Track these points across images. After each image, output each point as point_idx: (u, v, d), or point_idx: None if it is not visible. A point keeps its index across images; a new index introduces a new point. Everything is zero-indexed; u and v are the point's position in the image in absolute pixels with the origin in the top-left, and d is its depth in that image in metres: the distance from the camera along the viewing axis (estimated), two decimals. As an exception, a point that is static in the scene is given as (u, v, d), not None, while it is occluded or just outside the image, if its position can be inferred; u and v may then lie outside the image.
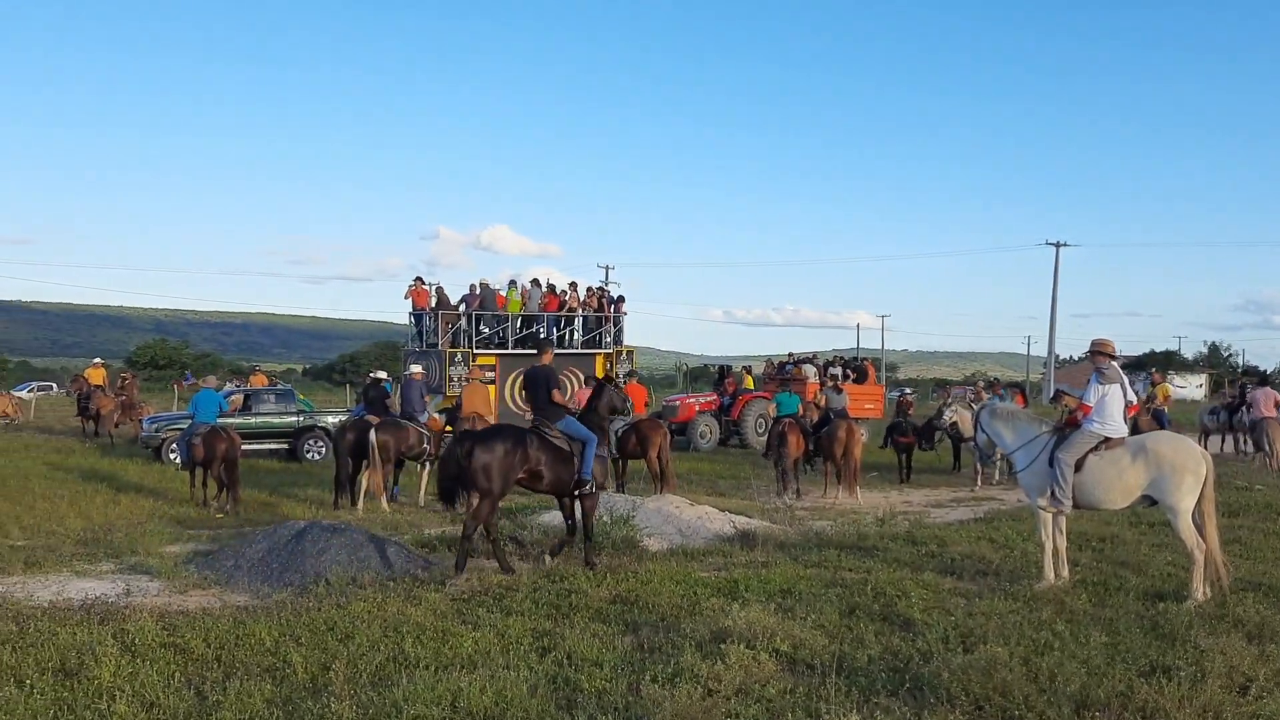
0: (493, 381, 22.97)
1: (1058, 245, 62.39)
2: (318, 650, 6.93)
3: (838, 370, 26.39)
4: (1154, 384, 23.39)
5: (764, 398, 27.04)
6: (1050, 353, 63.55)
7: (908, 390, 36.64)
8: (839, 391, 18.78)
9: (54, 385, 63.66)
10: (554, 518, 12.33)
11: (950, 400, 21.68)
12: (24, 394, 38.82)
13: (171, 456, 21.14)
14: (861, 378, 28.63)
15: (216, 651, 6.92)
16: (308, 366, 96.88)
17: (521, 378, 12.18)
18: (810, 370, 27.86)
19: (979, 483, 18.99)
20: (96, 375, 29.81)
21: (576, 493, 10.60)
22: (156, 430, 22.86)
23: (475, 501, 10.04)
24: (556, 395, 10.79)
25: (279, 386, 27.02)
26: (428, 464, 16.58)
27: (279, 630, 7.44)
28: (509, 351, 25.00)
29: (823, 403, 18.98)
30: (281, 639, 7.21)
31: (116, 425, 27.40)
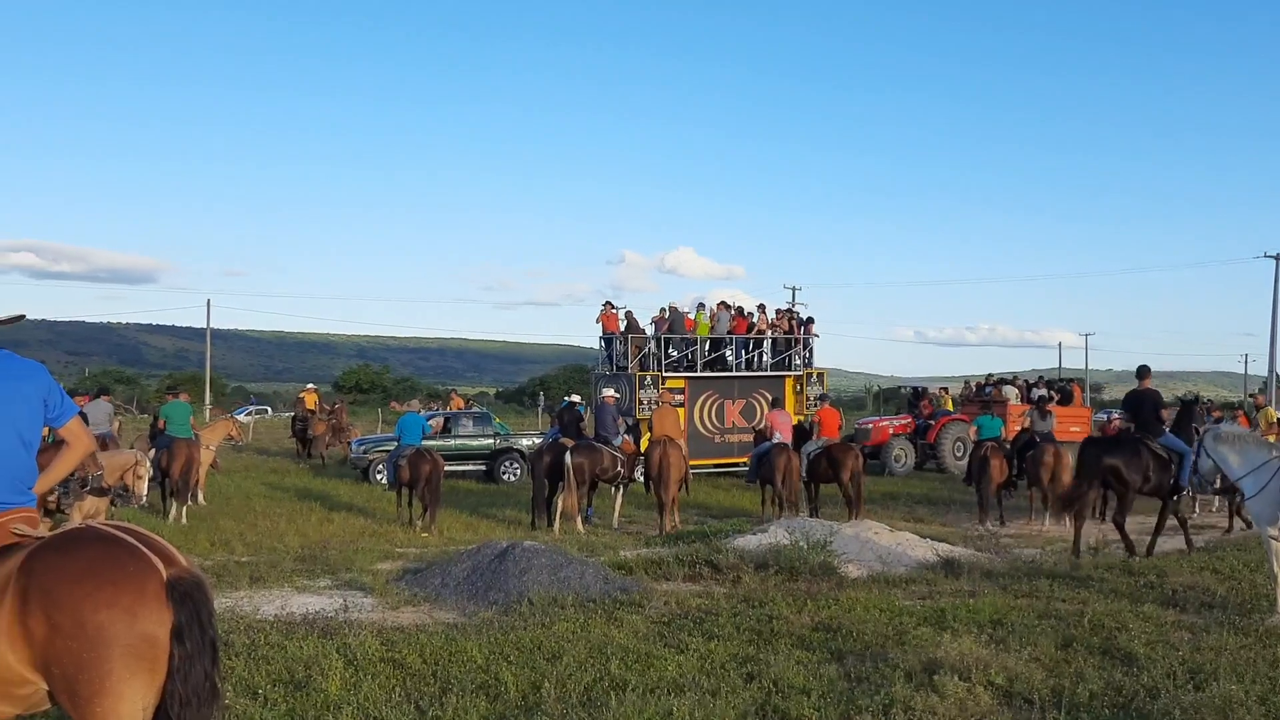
0: (682, 404, 23.07)
1: (1278, 257, 58.48)
2: (527, 669, 7.05)
3: (1042, 391, 25.34)
4: (1258, 407, 21.00)
5: (962, 420, 26.26)
6: (1271, 371, 59.43)
7: (1116, 413, 34.80)
8: (1045, 414, 18.03)
9: (268, 409, 67.47)
10: (747, 541, 12.26)
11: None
12: (242, 417, 41.21)
13: (379, 477, 22.08)
14: (1066, 399, 27.43)
15: (432, 667, 7.13)
16: (499, 390, 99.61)
17: (1127, 398, 13.95)
18: (1011, 392, 26.87)
19: (1196, 510, 17.87)
20: (309, 399, 31.48)
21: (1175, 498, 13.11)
22: (364, 452, 23.94)
23: (1119, 501, 13.08)
24: (1165, 414, 13.36)
25: (476, 410, 27.87)
26: (622, 486, 16.75)
27: (489, 648, 7.61)
28: (698, 374, 25.05)
29: (1027, 425, 18.25)
30: (492, 657, 7.37)
31: (327, 447, 28.81)
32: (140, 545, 3.76)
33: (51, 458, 4.41)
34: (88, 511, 11.92)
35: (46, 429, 4.41)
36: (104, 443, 14.98)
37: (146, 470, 13.38)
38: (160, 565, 3.72)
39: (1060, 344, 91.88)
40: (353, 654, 7.33)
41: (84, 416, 4.50)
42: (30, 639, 3.59)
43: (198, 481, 17.57)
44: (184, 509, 16.48)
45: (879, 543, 12.55)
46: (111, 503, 12.87)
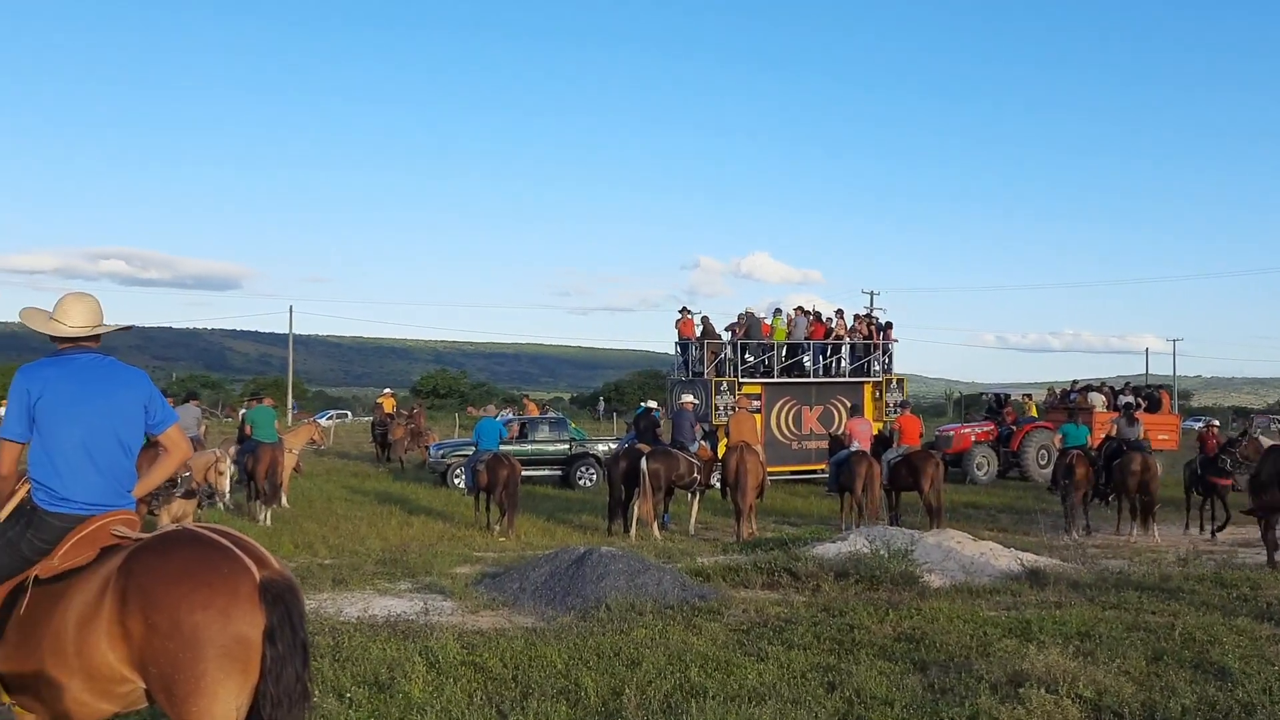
0: (759, 410, 22.93)
1: (1376, 260, 56.34)
2: (607, 675, 7.05)
3: (1129, 398, 24.74)
4: None
5: (1047, 428, 25.73)
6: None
7: (1213, 420, 33.80)
8: (1132, 421, 17.59)
9: (348, 413, 68.58)
10: (826, 549, 12.14)
11: (1254, 429, 19.93)
12: (324, 421, 41.97)
13: (456, 481, 22.28)
14: (1154, 406, 26.76)
15: (513, 671, 7.16)
16: (574, 395, 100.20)
17: None
18: (1097, 399, 26.26)
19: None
20: (388, 404, 31.93)
21: None
22: (442, 456, 24.20)
23: None
24: None
25: (552, 415, 28.02)
26: (698, 493, 16.71)
27: (568, 653, 7.62)
28: (775, 380, 24.91)
29: (1114, 433, 17.83)
30: (572, 662, 7.38)
31: (406, 451, 29.18)
32: (234, 548, 3.84)
33: (147, 461, 4.52)
34: (175, 514, 12.20)
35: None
36: (192, 445, 15.34)
37: (228, 467, 13.68)
38: (253, 567, 3.79)
39: (1147, 350, 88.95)
40: (434, 657, 7.39)
41: None
42: (129, 638, 3.69)
43: (281, 484, 17.90)
44: (269, 512, 16.82)
45: (962, 552, 12.35)
46: (198, 505, 13.17)
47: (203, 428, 19.39)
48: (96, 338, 4.37)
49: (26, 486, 4.16)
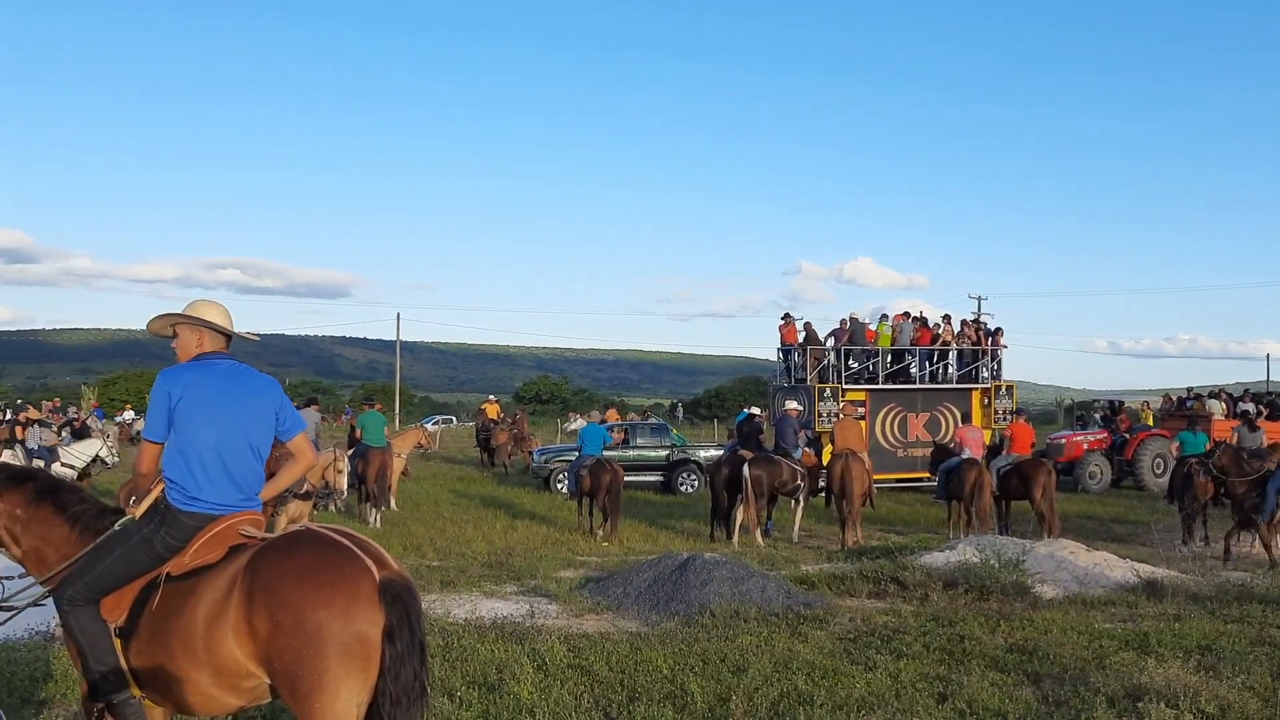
0: (863, 417, 22.66)
1: None
2: (713, 681, 7.05)
3: (1249, 406, 23.82)
4: None
5: (1163, 436, 24.92)
6: None
7: None
8: (1253, 429, 16.95)
9: (453, 419, 69.75)
10: (934, 558, 11.95)
11: None
12: (430, 426, 42.77)
13: (559, 486, 22.50)
14: (1276, 414, 25.73)
15: (619, 675, 7.21)
16: (674, 401, 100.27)
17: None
18: (1215, 406, 25.36)
19: None
20: (492, 410, 32.40)
21: None
22: (545, 461, 24.46)
23: None
24: None
25: (654, 421, 28.10)
26: (802, 500, 16.59)
27: (674, 659, 7.65)
28: (879, 386, 24.60)
29: (1233, 441, 17.19)
30: (678, 667, 7.40)
31: (510, 456, 29.57)
32: (355, 548, 3.94)
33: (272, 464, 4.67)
34: (293, 515, 12.55)
35: None
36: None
37: (345, 465, 14.05)
38: (373, 568, 3.89)
39: (1268, 356, 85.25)
40: (542, 659, 7.48)
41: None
42: (255, 635, 3.82)
43: (390, 487, 18.30)
44: (379, 514, 17.21)
45: (1075, 562, 12.04)
46: (314, 506, 13.52)
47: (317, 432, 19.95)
48: (229, 343, 4.54)
49: (161, 486, 4.34)
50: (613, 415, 30.48)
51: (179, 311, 4.50)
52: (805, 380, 24.18)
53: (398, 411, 56.67)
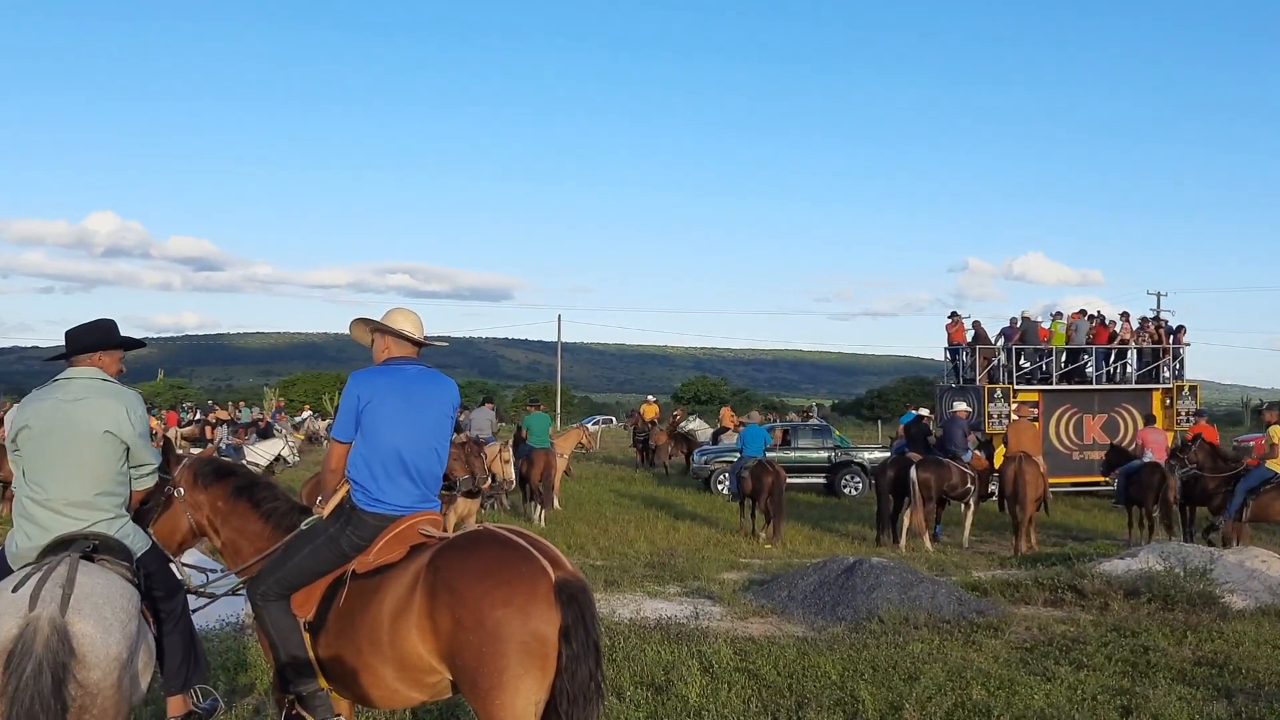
0: (1036, 419, 21.87)
1: None
2: (884, 689, 6.89)
3: None
4: (1268, 424, 15.49)
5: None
6: None
7: None
8: None
9: (613, 419, 70.47)
10: (1114, 565, 11.43)
11: None
12: (591, 426, 43.34)
13: (720, 487, 22.44)
14: None
15: (786, 680, 7.12)
16: (835, 402, 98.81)
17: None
18: None
19: None
20: (650, 411, 32.56)
21: None
22: (705, 462, 24.43)
23: None
24: None
25: (815, 422, 27.76)
26: (972, 504, 16.12)
27: (842, 665, 7.51)
28: (1053, 387, 23.69)
29: None
30: (846, 674, 7.26)
31: (670, 457, 29.67)
32: (532, 548, 3.99)
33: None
34: (461, 513, 12.86)
35: None
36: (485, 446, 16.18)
37: (509, 455, 14.36)
38: (549, 568, 3.93)
39: None
40: (708, 661, 7.44)
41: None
42: (437, 631, 3.90)
43: (554, 487, 18.59)
44: (544, 513, 17.51)
45: (1268, 572, 11.33)
46: (481, 505, 13.83)
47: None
48: (419, 349, 4.66)
49: (346, 486, 4.49)
50: (727, 415, 30.21)
51: (374, 318, 4.66)
52: (974, 381, 23.50)
53: (558, 412, 57.56)
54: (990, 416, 22.41)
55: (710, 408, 71.41)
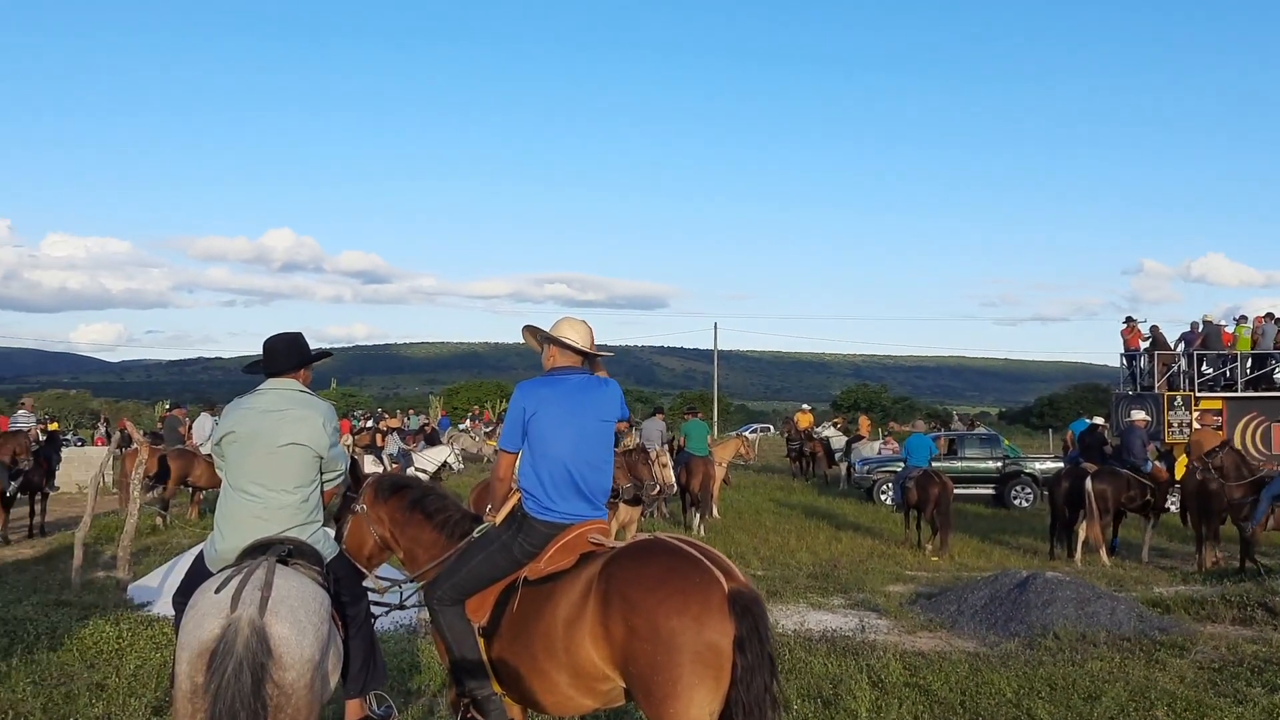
0: (1220, 428, 20.76)
1: None
2: (1062, 708, 6.64)
3: None
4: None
5: None
6: None
7: None
8: None
9: (770, 427, 69.99)
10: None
11: None
12: (748, 435, 43.09)
13: (883, 498, 22.03)
14: None
15: (959, 697, 6.93)
16: (1002, 410, 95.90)
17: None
18: None
19: None
20: (805, 420, 32.12)
21: None
22: (868, 471, 24.01)
23: None
24: None
25: (983, 431, 26.98)
26: (1152, 517, 15.40)
27: (1018, 682, 7.27)
28: (1238, 394, 22.44)
29: None
30: (1022, 692, 7.02)
31: (830, 466, 29.28)
32: (704, 559, 4.00)
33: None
34: (622, 520, 12.97)
35: None
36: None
37: (668, 459, 14.40)
38: (723, 579, 3.92)
39: None
40: (877, 676, 7.31)
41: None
42: (610, 639, 3.94)
43: (712, 496, 18.57)
44: (704, 522, 17.50)
45: None
46: (643, 512, 13.91)
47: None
48: (585, 359, 4.74)
49: (517, 495, 4.60)
50: (864, 424, 29.44)
51: (543, 328, 4.76)
52: (1152, 388, 22.46)
53: (715, 420, 57.48)
54: (1170, 425, 21.38)
55: (871, 416, 70.22)
